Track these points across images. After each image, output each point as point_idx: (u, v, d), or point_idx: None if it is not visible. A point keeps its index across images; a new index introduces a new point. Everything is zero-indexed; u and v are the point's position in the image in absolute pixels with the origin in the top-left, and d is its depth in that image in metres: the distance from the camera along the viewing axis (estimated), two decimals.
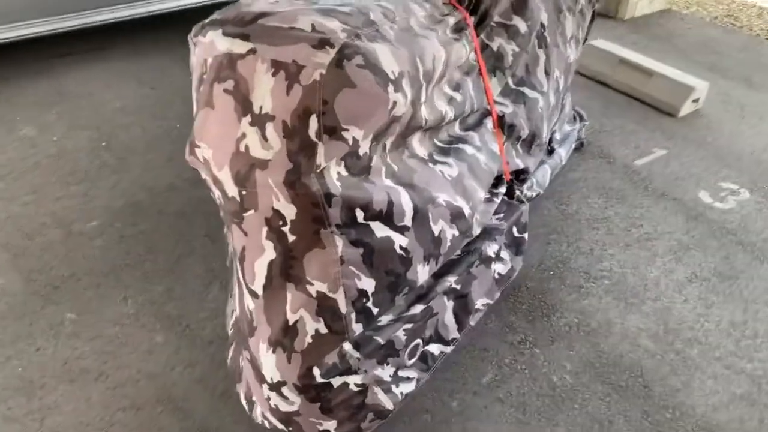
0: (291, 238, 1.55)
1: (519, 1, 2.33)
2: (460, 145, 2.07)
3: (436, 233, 1.86)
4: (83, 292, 2.68)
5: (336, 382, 1.74)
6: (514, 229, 2.37)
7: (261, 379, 1.73)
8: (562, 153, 3.02)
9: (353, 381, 1.79)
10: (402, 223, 1.72)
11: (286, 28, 1.47)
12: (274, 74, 1.43)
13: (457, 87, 2.03)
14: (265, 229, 1.55)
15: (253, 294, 1.65)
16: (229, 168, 1.50)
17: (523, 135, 2.47)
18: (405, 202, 1.72)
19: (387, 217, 1.68)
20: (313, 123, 1.46)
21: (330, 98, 1.45)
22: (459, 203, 1.93)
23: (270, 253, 1.58)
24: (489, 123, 2.29)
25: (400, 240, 1.73)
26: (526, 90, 2.43)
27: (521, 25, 2.33)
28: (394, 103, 1.58)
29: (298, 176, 1.48)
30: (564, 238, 3.04)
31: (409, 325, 1.93)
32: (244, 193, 1.51)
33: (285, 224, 1.53)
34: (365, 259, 1.66)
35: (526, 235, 2.42)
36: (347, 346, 1.75)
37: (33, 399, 2.23)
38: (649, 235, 3.10)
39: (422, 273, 1.86)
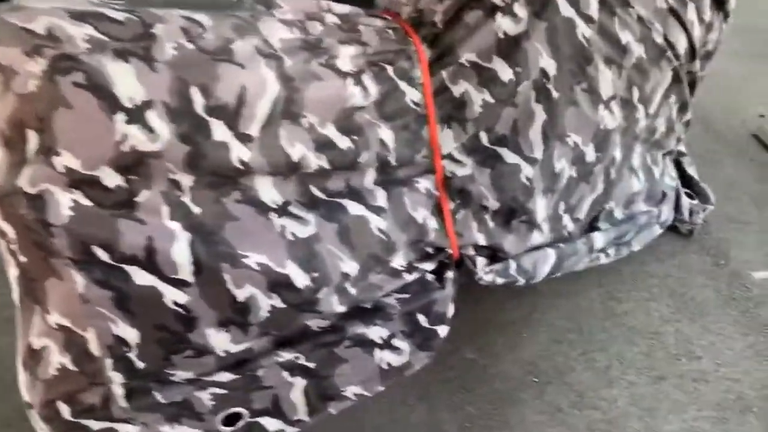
0: (22, 258, 1.39)
1: (508, 41, 1.80)
2: (343, 201, 1.68)
3: (241, 298, 1.54)
4: None
5: (95, 425, 1.56)
6: (420, 318, 1.88)
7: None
8: (600, 239, 2.34)
9: (124, 430, 1.59)
10: (176, 276, 1.45)
11: (17, 26, 1.28)
12: None
13: (349, 131, 1.64)
14: (2, 242, 1.41)
15: (15, 303, 1.53)
16: None
17: (489, 205, 1.95)
18: (177, 252, 1.43)
19: (149, 264, 1.42)
20: (33, 139, 1.28)
21: (46, 115, 1.26)
22: (286, 270, 1.57)
23: (13, 269, 1.44)
24: (426, 183, 1.84)
25: (173, 295, 1.46)
26: (504, 152, 1.90)
27: (504, 72, 1.81)
28: (125, 135, 1.31)
29: (7, 193, 1.31)
30: (583, 341, 2.40)
31: (218, 390, 1.65)
32: None
33: (12, 242, 1.38)
34: (119, 304, 1.43)
35: (441, 329, 1.91)
36: (119, 391, 1.55)
37: None
38: (701, 375, 2.31)
39: (220, 339, 1.56)
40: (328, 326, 1.75)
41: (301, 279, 1.60)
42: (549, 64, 1.86)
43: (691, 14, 2.09)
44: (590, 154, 2.08)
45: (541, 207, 2.05)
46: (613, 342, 2.41)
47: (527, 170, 1.94)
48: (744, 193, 3.20)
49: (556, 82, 1.88)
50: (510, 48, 1.80)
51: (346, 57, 1.65)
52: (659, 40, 2.02)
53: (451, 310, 1.94)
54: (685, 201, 2.88)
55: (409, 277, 1.85)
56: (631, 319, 2.51)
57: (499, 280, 2.06)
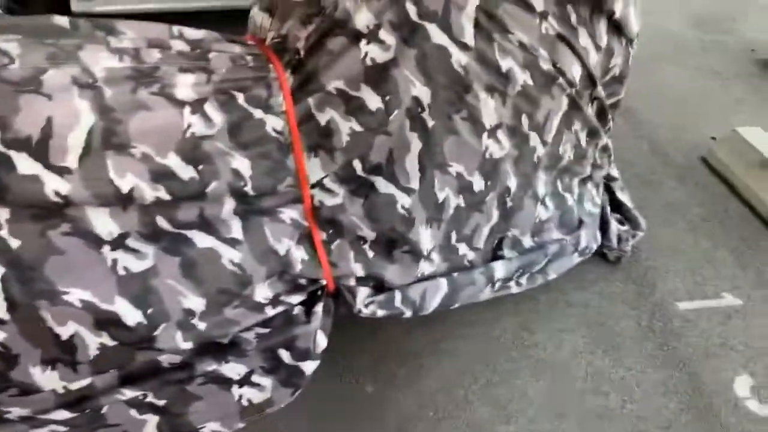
0: None
1: (376, 69, 1.73)
2: (191, 233, 1.61)
3: (65, 336, 1.47)
4: None
5: None
6: (283, 354, 1.79)
7: None
8: (501, 268, 2.25)
9: None
10: None
11: None
12: None
13: (195, 160, 1.58)
14: None
15: None
16: None
17: (365, 235, 1.88)
18: None
19: None
20: None
21: None
22: (114, 306, 1.50)
23: None
24: (292, 212, 1.77)
25: None
26: (379, 181, 1.83)
27: (372, 100, 1.73)
28: None
29: None
30: (487, 373, 2.32)
31: (58, 428, 1.59)
32: None
33: None
34: None
35: (306, 365, 1.83)
36: None
37: None
38: (605, 412, 2.22)
39: (47, 378, 1.50)
40: (179, 362, 1.68)
41: (132, 316, 1.53)
42: (423, 93, 1.78)
43: (584, 41, 2.00)
44: (478, 184, 2.00)
45: (425, 237, 1.97)
46: (518, 375, 2.32)
47: (404, 200, 1.87)
48: (682, 218, 3.10)
49: (431, 110, 1.81)
50: (378, 76, 1.73)
51: (185, 85, 1.58)
52: (546, 66, 1.94)
53: (320, 344, 1.86)
54: (614, 227, 2.79)
55: (272, 311, 1.77)
56: (541, 351, 2.42)
57: (380, 312, 1.98)
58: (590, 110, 2.21)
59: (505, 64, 1.86)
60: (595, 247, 2.70)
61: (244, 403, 1.78)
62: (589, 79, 2.09)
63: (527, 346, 2.43)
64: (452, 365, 2.34)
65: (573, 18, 1.95)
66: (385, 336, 2.41)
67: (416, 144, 1.83)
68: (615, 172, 2.96)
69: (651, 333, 2.51)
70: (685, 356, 2.42)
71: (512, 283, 2.38)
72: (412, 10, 1.72)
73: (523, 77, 1.91)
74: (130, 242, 1.54)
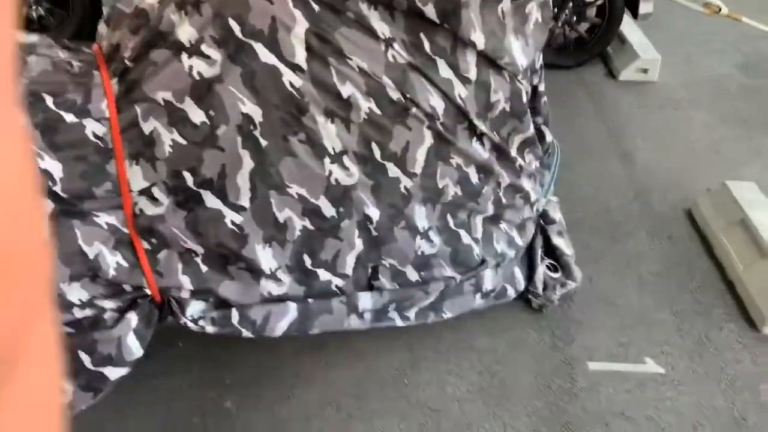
0: None
1: (201, 84, 1.73)
2: None
3: None
4: None
5: None
6: (84, 357, 1.79)
7: None
8: (368, 299, 2.16)
9: None
10: None
11: None
12: None
13: None
14: None
15: None
16: None
17: (193, 248, 1.87)
18: None
19: None
20: None
21: None
22: None
23: None
24: (110, 218, 1.80)
25: None
26: (207, 196, 1.83)
27: (195, 114, 1.74)
28: None
29: None
30: (354, 407, 2.24)
31: None
32: None
33: None
34: None
35: (110, 371, 1.80)
36: None
37: None
38: None
39: None
40: None
41: None
42: (253, 111, 1.77)
43: (444, 72, 1.91)
44: (328, 209, 1.95)
45: (264, 256, 1.94)
46: (384, 414, 2.23)
47: (233, 216, 1.86)
48: (635, 272, 2.86)
49: (263, 129, 1.79)
50: (202, 91, 1.74)
51: None
52: (396, 96, 1.86)
53: (132, 352, 1.87)
54: (540, 273, 2.62)
55: (80, 313, 1.80)
56: (420, 392, 2.31)
57: (211, 329, 1.97)
58: (476, 146, 2.10)
59: (345, 90, 1.81)
60: (511, 291, 2.55)
61: None
62: (460, 113, 1.98)
63: (407, 385, 2.33)
64: (322, 394, 2.29)
65: (427, 47, 1.86)
66: (266, 356, 2.39)
67: (248, 162, 1.82)
68: (557, 215, 2.78)
69: (547, 390, 2.33)
70: (572, 420, 2.23)
71: (394, 316, 2.29)
72: (236, 27, 1.72)
73: (367, 104, 1.85)
74: None
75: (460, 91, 1.94)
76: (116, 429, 2.12)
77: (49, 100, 1.70)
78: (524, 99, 2.12)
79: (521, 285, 2.59)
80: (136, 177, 1.79)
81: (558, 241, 2.71)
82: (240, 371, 2.34)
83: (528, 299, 2.65)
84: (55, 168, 1.70)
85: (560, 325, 2.60)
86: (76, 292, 1.79)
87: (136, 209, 1.82)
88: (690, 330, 2.59)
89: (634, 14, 4.49)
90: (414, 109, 1.90)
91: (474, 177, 2.18)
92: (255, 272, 1.96)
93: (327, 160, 1.88)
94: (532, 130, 2.27)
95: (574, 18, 4.57)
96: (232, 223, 1.87)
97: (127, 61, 1.80)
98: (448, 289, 2.32)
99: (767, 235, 2.78)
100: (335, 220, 1.99)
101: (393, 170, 1.98)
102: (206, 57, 1.74)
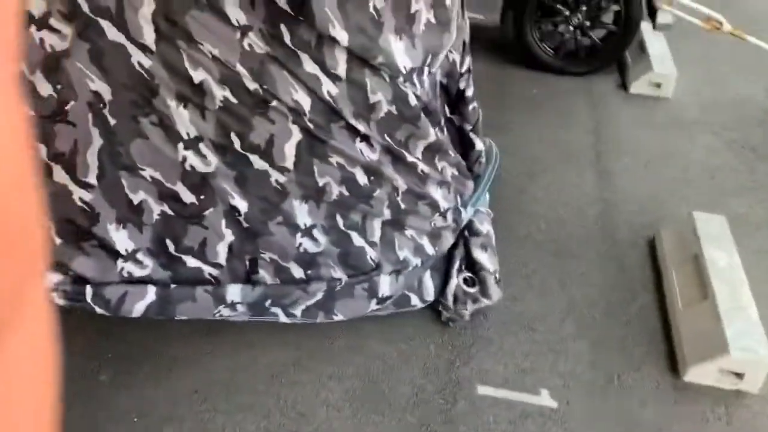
0: None
1: (51, 57, 1.75)
2: None
3: None
4: None
5: None
6: None
7: None
8: (237, 292, 2.10)
9: None
10: None
11: None
12: None
13: None
14: None
15: None
16: None
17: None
18: None
19: None
20: None
21: None
22: None
23: None
24: None
25: None
26: (57, 170, 1.83)
27: (42, 86, 1.76)
28: None
29: None
30: (214, 401, 2.21)
31: None
32: None
33: None
34: None
35: None
36: None
37: None
38: None
39: None
40: None
41: None
42: (103, 89, 1.75)
43: (309, 67, 1.82)
44: (186, 196, 1.91)
45: (118, 236, 1.93)
46: (248, 410, 2.19)
47: (81, 193, 1.85)
48: (566, 297, 2.68)
49: (111, 108, 1.77)
50: (51, 64, 1.74)
51: None
52: (252, 86, 1.79)
53: None
54: (452, 285, 2.50)
55: None
56: (293, 392, 2.25)
57: (63, 302, 1.97)
58: (359, 147, 2.00)
59: (197, 75, 1.76)
60: (416, 300, 2.45)
61: None
62: (332, 111, 1.89)
63: (282, 384, 2.28)
64: (195, 380, 2.26)
65: (288, 39, 1.78)
66: (159, 335, 2.37)
67: (98, 140, 1.80)
68: (484, 227, 2.64)
69: (424, 407, 2.23)
70: None
71: (277, 311, 2.24)
72: (84, 4, 1.69)
73: (222, 92, 1.79)
74: None
75: (329, 88, 1.85)
76: None
77: None
78: (413, 103, 2.00)
79: (430, 295, 2.48)
80: None
81: (479, 255, 2.57)
82: (123, 346, 2.35)
83: (440, 311, 2.53)
84: None
85: (464, 342, 2.47)
86: None
87: None
88: (603, 365, 2.41)
89: (654, 23, 4.21)
90: (275, 102, 1.83)
91: (362, 178, 2.09)
92: (110, 251, 1.95)
93: (181, 145, 1.84)
94: (436, 136, 2.16)
95: (588, 23, 4.32)
96: (81, 200, 1.86)
97: None
98: (333, 290, 2.24)
99: (715, 275, 2.55)
100: (196, 207, 1.95)
101: (259, 163, 1.92)
102: (56, 31, 1.73)
